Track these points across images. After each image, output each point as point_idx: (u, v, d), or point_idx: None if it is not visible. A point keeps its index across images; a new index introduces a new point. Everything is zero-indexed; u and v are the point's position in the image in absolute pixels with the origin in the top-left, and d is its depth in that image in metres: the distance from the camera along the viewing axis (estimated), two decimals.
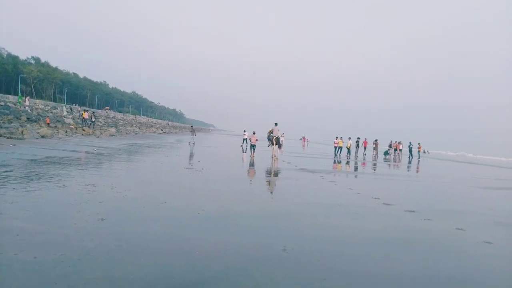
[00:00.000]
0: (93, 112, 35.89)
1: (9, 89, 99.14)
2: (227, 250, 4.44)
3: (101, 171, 10.60)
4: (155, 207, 6.49)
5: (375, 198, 9.06)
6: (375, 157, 31.74)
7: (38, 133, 22.08)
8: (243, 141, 32.55)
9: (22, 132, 20.17)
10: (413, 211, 7.82)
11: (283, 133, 49.42)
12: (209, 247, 4.50)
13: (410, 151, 35.02)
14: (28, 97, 58.68)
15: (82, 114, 34.21)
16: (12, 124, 24.48)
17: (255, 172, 13.86)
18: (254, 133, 23.22)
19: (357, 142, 33.44)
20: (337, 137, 30.23)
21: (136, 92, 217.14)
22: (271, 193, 9.40)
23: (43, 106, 54.51)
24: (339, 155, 29.04)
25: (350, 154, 29.70)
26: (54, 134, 23.66)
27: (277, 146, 19.63)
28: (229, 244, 4.68)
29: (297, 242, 4.96)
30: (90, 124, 33.30)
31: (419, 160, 31.85)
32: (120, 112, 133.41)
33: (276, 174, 13.34)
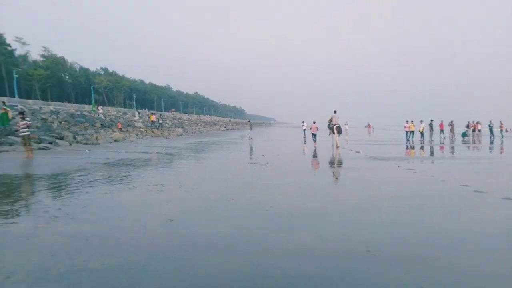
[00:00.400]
0: (160, 115, 37.50)
1: (84, 99, 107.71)
2: (302, 252, 3.96)
3: (170, 170, 10.70)
4: (223, 205, 6.21)
5: (464, 185, 7.97)
6: (452, 140, 29.15)
7: (111, 137, 23.41)
8: (304, 131, 31.84)
9: (96, 138, 21.48)
10: None
11: (347, 121, 48.31)
12: (282, 249, 4.05)
13: (491, 130, 31.64)
14: (101, 106, 63.45)
15: (150, 117, 35.81)
16: (88, 130, 26.28)
17: (320, 163, 13.19)
18: (314, 123, 23.20)
19: (430, 125, 30.88)
20: (407, 121, 28.21)
21: (198, 93, 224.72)
22: (343, 185, 8.74)
23: (115, 113, 58.25)
24: (412, 140, 27.07)
25: (423, 138, 27.57)
26: (126, 138, 24.95)
27: (338, 134, 19.23)
28: (303, 245, 4.20)
29: (383, 243, 4.32)
30: (158, 126, 34.76)
31: (502, 140, 28.62)
32: (185, 113, 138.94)
33: (344, 165, 12.55)
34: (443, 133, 32.37)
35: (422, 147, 21.35)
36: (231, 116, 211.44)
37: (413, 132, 27.96)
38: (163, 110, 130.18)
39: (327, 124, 20.73)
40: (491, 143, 26.00)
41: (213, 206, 6.12)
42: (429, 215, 5.68)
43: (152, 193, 7.12)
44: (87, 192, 7.14)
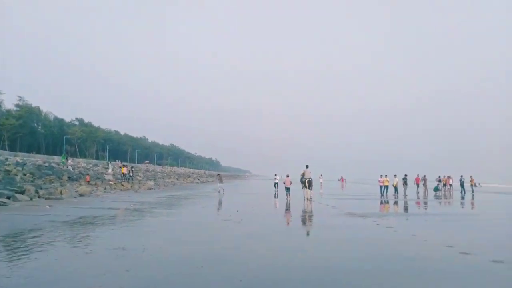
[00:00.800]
0: (132, 167, 36.30)
1: (56, 150, 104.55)
2: None
3: (135, 229, 9.84)
4: (190, 273, 5.50)
5: (447, 246, 7.60)
6: (425, 194, 29.39)
7: (76, 191, 22.13)
8: (275, 185, 30.64)
9: (61, 192, 20.21)
10: (502, 262, 6.34)
11: (321, 175, 48.40)
12: None
13: (462, 185, 32.23)
14: (71, 158, 61.55)
15: (121, 169, 34.61)
16: (53, 184, 24.88)
17: (297, 221, 12.63)
18: (287, 176, 23.50)
19: (404, 179, 30.92)
20: (381, 175, 28.39)
21: (174, 144, 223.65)
22: (323, 248, 8.16)
23: (85, 165, 56.33)
24: (386, 195, 27.08)
25: (397, 193, 27.61)
26: (92, 192, 23.68)
27: (309, 188, 20.18)
28: None
29: None
30: (129, 179, 33.51)
31: (473, 195, 29.04)
32: (159, 164, 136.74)
33: (322, 222, 12.04)
34: (418, 187, 32.61)
35: (396, 202, 21.24)
36: (206, 168, 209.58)
37: (387, 186, 28.07)
38: (136, 162, 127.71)
39: (299, 178, 21.37)
40: (462, 197, 26.32)
41: (178, 277, 5.40)
42: (420, 283, 5.17)
43: (111, 259, 6.32)
44: (35, 258, 6.27)
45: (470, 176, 33.32)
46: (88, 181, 30.57)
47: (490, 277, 5.56)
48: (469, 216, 14.84)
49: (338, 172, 73.37)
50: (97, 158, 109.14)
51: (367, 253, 7.18)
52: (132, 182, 32.87)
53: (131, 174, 33.76)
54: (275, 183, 30.55)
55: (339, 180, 71.73)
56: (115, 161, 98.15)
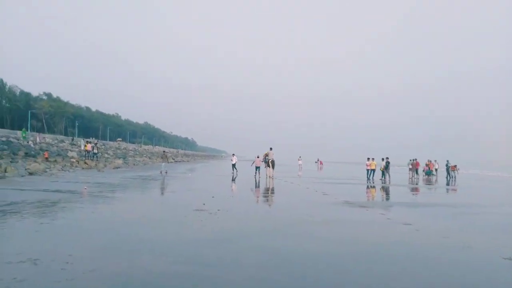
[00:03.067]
0: (96, 143, 33.01)
1: (21, 125, 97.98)
2: None
3: (71, 224, 7.24)
4: None
5: (507, 258, 5.46)
6: (414, 180, 27.84)
7: (27, 169, 19.12)
8: (232, 167, 28.26)
9: (5, 170, 17.19)
10: None
11: (300, 156, 46.55)
12: None
13: (448, 170, 30.91)
14: (38, 133, 56.90)
15: (85, 146, 31.38)
16: (1, 160, 21.64)
17: (290, 212, 10.33)
18: (257, 157, 25.25)
19: (386, 163, 28.49)
20: (369, 158, 26.55)
21: (149, 123, 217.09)
22: (338, 257, 5.86)
23: (50, 140, 52.21)
24: (372, 179, 25.31)
25: (384, 178, 25.82)
26: (47, 170, 20.68)
27: (272, 167, 22.92)
28: None
29: None
30: (93, 156, 30.39)
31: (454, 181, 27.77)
32: (133, 143, 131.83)
33: (322, 215, 9.78)
34: (417, 173, 30.41)
35: (386, 189, 19.33)
36: (182, 148, 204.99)
37: (374, 170, 26.29)
38: (108, 139, 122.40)
39: (262, 158, 24.65)
40: (447, 184, 24.78)
41: None
42: None
43: (13, 282, 3.78)
44: None
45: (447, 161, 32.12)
46: (47, 158, 27.53)
47: None
48: (486, 208, 12.91)
49: (317, 155, 71.58)
50: (66, 135, 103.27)
51: (397, 268, 4.91)
52: (97, 160, 29.81)
53: (95, 151, 30.62)
54: (233, 164, 28.29)
55: (316, 162, 70.47)
56: (86, 138, 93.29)
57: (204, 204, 10.35)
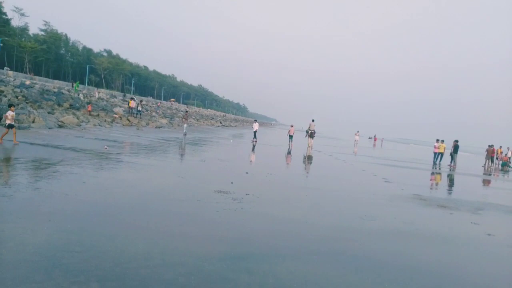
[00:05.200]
0: (141, 101, 31.85)
1: (82, 79, 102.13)
2: None
3: (32, 200, 5.26)
4: None
5: None
6: (488, 169, 23.74)
7: (60, 121, 18.03)
8: (254, 134, 25.34)
9: (33, 120, 16.07)
10: None
11: (358, 131, 42.78)
12: None
13: None
14: (97, 89, 57.98)
15: (129, 102, 30.34)
16: (40, 110, 20.86)
17: (341, 211, 7.80)
18: (292, 126, 25.99)
19: (455, 146, 24.13)
20: (438, 140, 22.81)
21: (202, 86, 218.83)
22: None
23: (104, 96, 52.74)
24: (439, 164, 21.74)
25: (454, 163, 22.07)
26: (82, 123, 19.58)
27: (311, 138, 23.91)
28: None
29: None
30: (137, 113, 29.32)
31: None
32: (185, 104, 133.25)
33: (398, 224, 7.15)
34: (493, 161, 25.68)
35: (458, 178, 15.92)
36: (233, 113, 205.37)
37: (442, 154, 22.57)
38: (162, 99, 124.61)
39: (306, 129, 25.34)
40: None
41: None
42: None
43: None
44: None
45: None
46: (90, 111, 26.71)
47: None
48: None
49: (372, 131, 66.90)
50: (122, 91, 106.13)
51: None
52: (140, 118, 28.71)
53: (140, 108, 29.46)
54: (254, 132, 25.28)
55: (370, 138, 66.01)
56: (140, 96, 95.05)
57: (232, 183, 8.09)
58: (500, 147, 27.38)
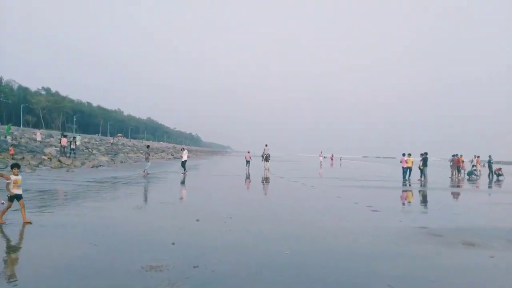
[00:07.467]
0: (74, 138, 27.83)
1: (18, 122, 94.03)
2: None
3: None
4: None
5: None
6: (458, 179, 22.72)
7: None
8: (182, 164, 21.95)
9: None
10: None
11: (321, 152, 42.94)
12: None
13: (490, 167, 25.61)
14: (39, 130, 52.26)
15: (60, 140, 26.47)
16: None
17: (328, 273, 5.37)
18: (248, 152, 27.46)
19: (424, 159, 23.22)
20: (404, 154, 21.48)
21: (152, 118, 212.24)
22: None
23: (36, 136, 47.42)
24: (409, 180, 20.27)
25: (424, 178, 20.68)
26: None
27: (266, 161, 25.47)
28: None
29: None
30: (70, 152, 25.50)
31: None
32: (134, 138, 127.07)
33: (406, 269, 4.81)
34: (459, 171, 25.06)
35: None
36: (186, 143, 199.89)
37: (410, 168, 21.19)
38: (108, 135, 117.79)
39: (261, 154, 27.69)
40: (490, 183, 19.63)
41: None
42: None
43: None
44: None
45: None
46: (12, 154, 22.85)
47: None
48: None
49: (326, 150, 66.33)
50: (63, 130, 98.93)
51: None
52: (74, 157, 24.91)
53: (73, 146, 25.61)
54: (182, 161, 21.65)
55: (325, 157, 65.23)
56: (85, 134, 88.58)
57: (173, 243, 5.39)
58: (461, 155, 26.74)
